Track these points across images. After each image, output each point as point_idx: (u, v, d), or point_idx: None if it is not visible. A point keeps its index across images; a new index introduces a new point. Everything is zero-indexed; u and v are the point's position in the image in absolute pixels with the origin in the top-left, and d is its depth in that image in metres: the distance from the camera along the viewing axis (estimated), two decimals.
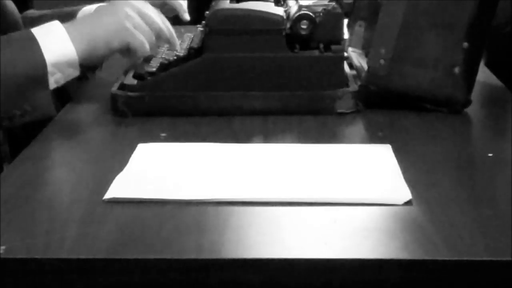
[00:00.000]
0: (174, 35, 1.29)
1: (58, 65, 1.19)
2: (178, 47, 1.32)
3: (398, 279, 0.79)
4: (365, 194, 0.93)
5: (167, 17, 1.35)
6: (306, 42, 1.27)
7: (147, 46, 1.24)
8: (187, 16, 1.42)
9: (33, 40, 1.19)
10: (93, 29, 1.23)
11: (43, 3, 1.63)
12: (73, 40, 1.20)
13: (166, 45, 1.41)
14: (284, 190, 0.95)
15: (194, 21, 1.54)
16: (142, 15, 1.25)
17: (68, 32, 1.20)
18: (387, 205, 0.90)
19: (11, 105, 1.16)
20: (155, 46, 1.28)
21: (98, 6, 1.45)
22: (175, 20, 1.42)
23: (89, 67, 1.36)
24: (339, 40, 1.29)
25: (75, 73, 1.22)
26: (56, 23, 1.22)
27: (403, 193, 0.93)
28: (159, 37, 1.27)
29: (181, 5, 1.46)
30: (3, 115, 1.16)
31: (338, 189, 0.95)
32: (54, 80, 1.19)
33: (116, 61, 1.47)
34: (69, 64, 1.20)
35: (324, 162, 1.04)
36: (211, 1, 1.38)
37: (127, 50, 1.25)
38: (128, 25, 1.23)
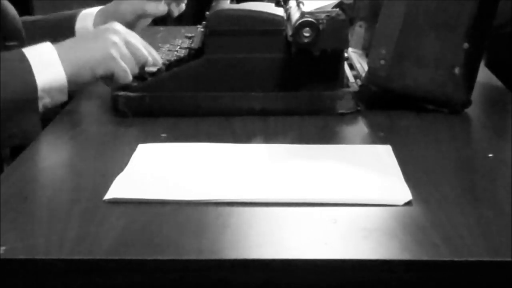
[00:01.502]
0: (159, 59, 1.29)
1: (48, 91, 1.19)
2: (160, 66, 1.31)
3: (398, 279, 0.79)
4: (365, 194, 0.93)
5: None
6: (308, 50, 1.24)
7: (130, 75, 1.25)
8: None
9: (25, 63, 1.18)
10: (80, 55, 1.23)
11: (43, 6, 1.63)
12: (63, 65, 1.20)
13: (166, 46, 1.41)
14: (284, 190, 0.95)
15: (194, 21, 1.54)
16: (127, 44, 1.25)
17: (59, 56, 1.20)
18: (387, 205, 0.90)
19: (0, 127, 1.16)
20: (136, 73, 1.28)
21: (98, 13, 1.45)
22: (176, 20, 1.42)
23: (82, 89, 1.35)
24: (343, 48, 1.27)
25: (63, 98, 1.22)
26: (48, 45, 1.22)
27: (404, 193, 0.93)
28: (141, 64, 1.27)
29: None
30: None
31: (338, 190, 0.95)
32: (42, 105, 1.19)
33: None
34: (58, 89, 1.20)
35: (325, 162, 1.04)
36: (211, 2, 1.38)
37: (109, 78, 1.25)
38: (115, 53, 1.23)
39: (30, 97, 1.17)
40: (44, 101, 1.19)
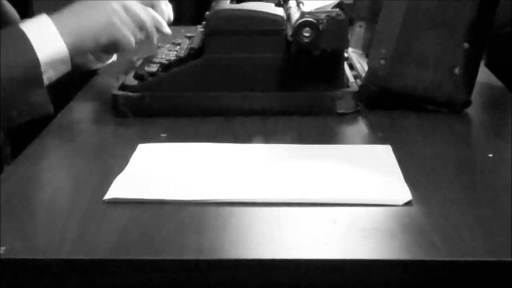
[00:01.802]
0: (161, 20, 1.28)
1: (50, 63, 1.19)
2: (155, 42, 1.31)
3: (398, 279, 0.79)
4: (365, 194, 0.93)
5: None
6: (308, 51, 1.24)
7: (133, 41, 1.24)
8: (167, 30, 1.40)
9: (25, 39, 1.18)
10: (80, 24, 1.22)
11: (43, 7, 1.63)
12: (62, 35, 1.20)
13: (166, 46, 1.41)
14: (284, 190, 0.95)
15: (194, 21, 1.54)
16: (126, 10, 1.24)
17: (57, 28, 1.20)
18: (387, 205, 0.90)
19: (7, 106, 1.16)
20: (139, 41, 1.27)
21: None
22: (175, 20, 1.41)
23: (81, 67, 1.35)
24: (343, 48, 1.27)
25: (67, 68, 1.22)
26: (44, 18, 1.21)
27: (403, 193, 0.93)
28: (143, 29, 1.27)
29: (163, 19, 1.44)
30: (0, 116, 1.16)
31: (338, 190, 0.95)
32: (47, 77, 1.19)
33: (116, 62, 1.48)
34: (61, 61, 1.20)
35: (324, 162, 1.04)
36: (211, 2, 1.38)
37: (112, 46, 1.25)
38: (116, 20, 1.23)
39: (34, 72, 1.17)
40: (48, 74, 1.19)
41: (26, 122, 1.18)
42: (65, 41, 1.20)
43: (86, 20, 1.22)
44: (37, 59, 1.17)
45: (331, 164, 1.03)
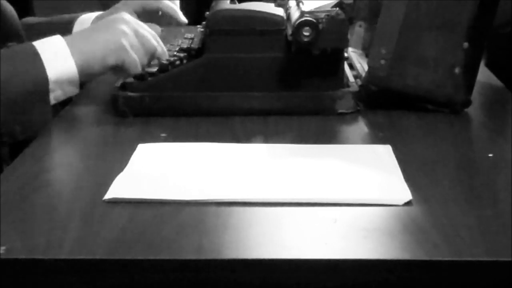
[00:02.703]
0: (166, 52, 1.29)
1: (59, 83, 1.19)
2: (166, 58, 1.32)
3: (398, 279, 0.79)
4: (365, 194, 0.93)
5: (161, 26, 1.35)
6: (308, 50, 1.24)
7: (139, 66, 1.25)
8: (183, 18, 1.42)
9: (36, 56, 1.19)
10: (91, 46, 1.23)
11: (43, 7, 1.63)
12: (73, 55, 1.20)
13: (167, 46, 1.41)
14: (285, 190, 0.95)
15: (194, 21, 1.54)
16: (136, 34, 1.25)
17: (70, 49, 1.21)
18: (387, 205, 0.90)
19: (12, 121, 1.17)
20: (145, 65, 1.28)
21: (95, 19, 1.45)
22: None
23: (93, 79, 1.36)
24: (343, 47, 1.27)
25: (75, 91, 1.23)
26: (58, 38, 1.22)
27: (403, 193, 0.93)
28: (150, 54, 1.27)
29: (174, 10, 1.46)
30: (3, 130, 1.17)
31: (338, 189, 0.95)
32: (54, 97, 1.20)
33: None
34: (69, 81, 1.21)
35: (324, 162, 1.04)
36: (211, 2, 1.38)
37: (119, 68, 1.25)
38: (125, 43, 1.23)
39: (42, 89, 1.18)
40: (55, 94, 1.20)
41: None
42: (75, 62, 1.20)
43: (95, 42, 1.23)
44: (46, 76, 1.18)
45: (332, 164, 1.03)
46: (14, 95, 1.16)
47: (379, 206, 0.90)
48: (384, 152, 1.07)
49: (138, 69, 1.25)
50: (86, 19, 1.48)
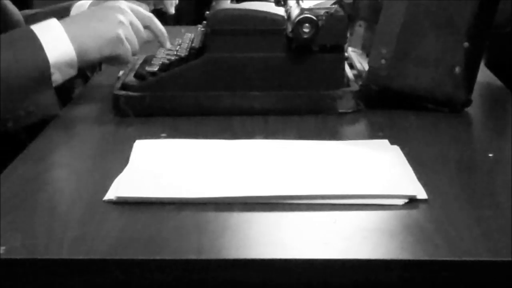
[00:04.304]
0: (164, 33, 1.30)
1: (58, 65, 1.20)
2: (167, 45, 1.32)
3: (398, 279, 0.79)
4: (370, 189, 0.93)
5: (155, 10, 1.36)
6: (308, 46, 1.25)
7: (130, 57, 1.26)
8: (172, 10, 1.43)
9: (35, 40, 1.19)
10: (87, 33, 1.23)
11: (43, 2, 1.63)
12: (71, 39, 1.21)
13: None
14: (286, 186, 0.94)
15: (194, 21, 1.54)
16: (132, 24, 1.26)
17: (66, 32, 1.21)
18: (387, 205, 0.90)
19: (15, 106, 1.17)
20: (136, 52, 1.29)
21: (92, 3, 1.45)
22: (176, 19, 1.42)
23: (87, 67, 1.36)
24: (342, 44, 1.28)
25: (73, 72, 1.23)
26: (54, 22, 1.22)
27: (412, 187, 0.93)
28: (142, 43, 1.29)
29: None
30: (7, 116, 1.17)
31: (342, 185, 0.94)
32: (53, 80, 1.20)
33: None
34: (68, 64, 1.21)
35: (328, 158, 1.04)
36: (211, 1, 1.38)
37: (113, 59, 1.26)
38: (121, 35, 1.24)
39: (43, 72, 1.18)
40: (54, 76, 1.20)
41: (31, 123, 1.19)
42: (73, 45, 1.20)
43: (92, 31, 1.24)
44: (47, 59, 1.18)
45: (337, 159, 1.03)
46: (16, 80, 1.16)
47: (379, 206, 0.90)
48: (390, 148, 1.08)
49: (129, 60, 1.27)
50: (83, 4, 1.48)
